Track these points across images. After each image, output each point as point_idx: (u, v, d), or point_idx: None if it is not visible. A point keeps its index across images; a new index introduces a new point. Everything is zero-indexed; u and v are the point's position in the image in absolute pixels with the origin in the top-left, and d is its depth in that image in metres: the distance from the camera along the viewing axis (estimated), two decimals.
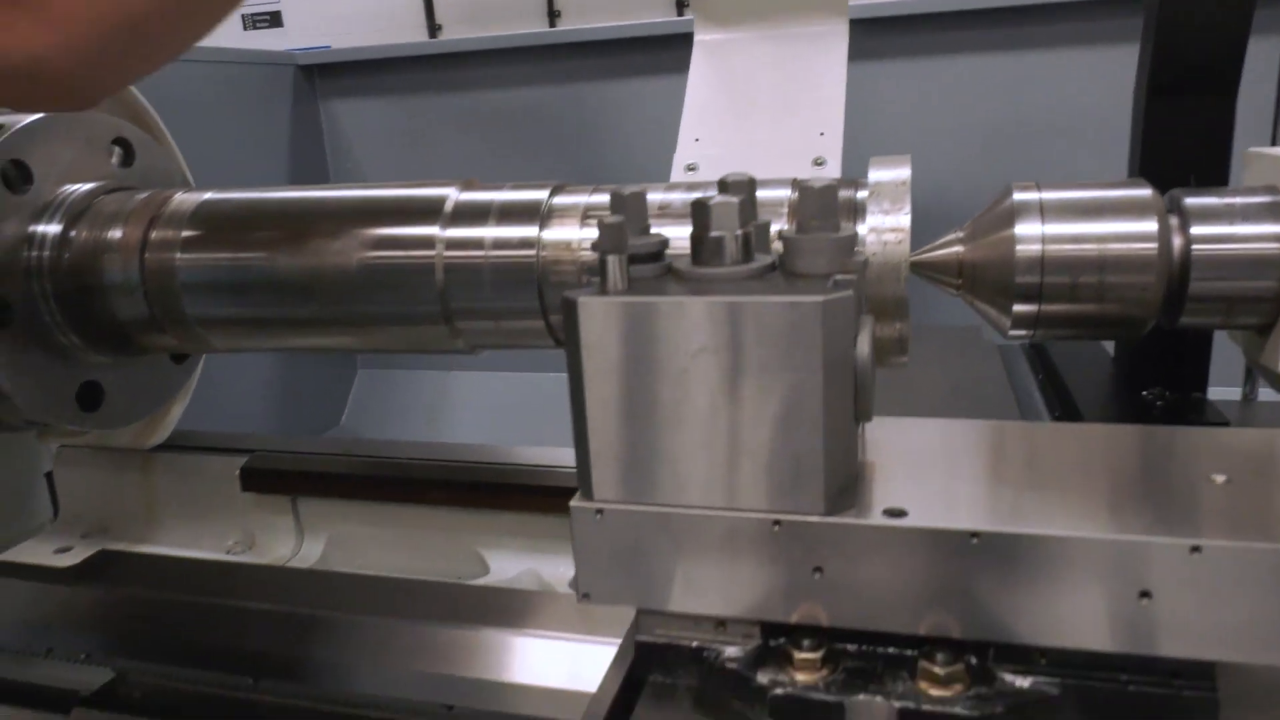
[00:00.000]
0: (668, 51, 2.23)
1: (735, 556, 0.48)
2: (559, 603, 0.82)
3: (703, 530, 0.48)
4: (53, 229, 0.96)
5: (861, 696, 0.46)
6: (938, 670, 0.46)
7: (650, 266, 0.51)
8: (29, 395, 0.95)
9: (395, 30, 3.56)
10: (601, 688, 0.54)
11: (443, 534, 1.15)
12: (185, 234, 0.92)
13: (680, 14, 3.50)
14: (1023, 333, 0.76)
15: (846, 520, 0.46)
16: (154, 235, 0.93)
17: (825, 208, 0.49)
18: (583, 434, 0.49)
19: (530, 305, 0.82)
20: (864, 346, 0.48)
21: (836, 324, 0.45)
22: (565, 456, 1.15)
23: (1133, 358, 1.11)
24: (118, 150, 1.06)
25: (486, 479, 1.11)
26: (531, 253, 0.82)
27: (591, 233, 0.81)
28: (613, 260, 0.47)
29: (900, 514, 0.46)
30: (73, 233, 0.96)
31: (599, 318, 0.47)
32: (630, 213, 0.50)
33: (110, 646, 0.85)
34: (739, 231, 0.50)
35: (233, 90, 1.98)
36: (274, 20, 3.29)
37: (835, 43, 1.48)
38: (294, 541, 1.20)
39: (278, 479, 1.18)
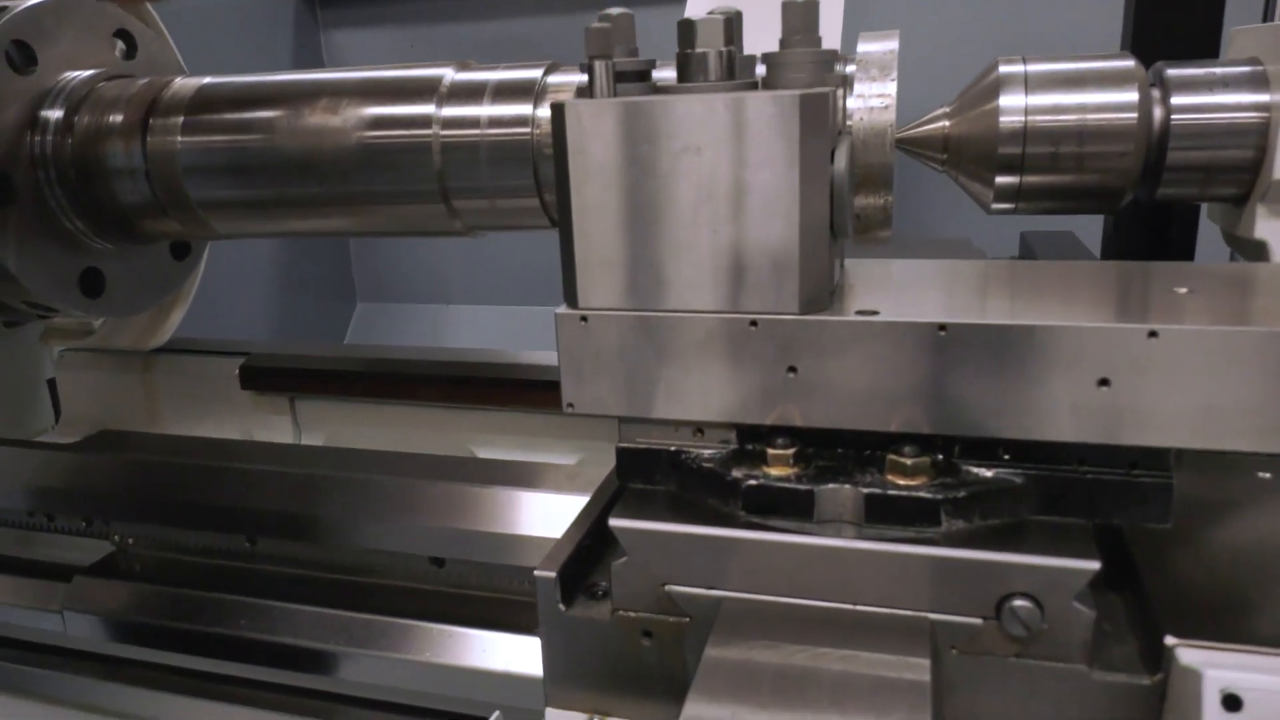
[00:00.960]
0: None
1: (714, 358, 0.50)
2: (551, 469, 0.84)
3: (683, 332, 0.50)
4: (55, 114, 0.97)
5: (830, 485, 0.48)
6: (905, 461, 0.48)
7: (637, 85, 0.52)
8: (34, 278, 0.96)
9: None
10: (590, 501, 0.57)
11: (435, 431, 1.17)
12: (186, 118, 0.93)
13: None
14: (1006, 206, 0.78)
15: (820, 317, 0.48)
16: (155, 120, 0.94)
17: (807, 23, 0.50)
18: (569, 242, 0.51)
19: (526, 183, 0.84)
20: (841, 160, 0.50)
21: (813, 121, 0.46)
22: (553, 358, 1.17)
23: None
24: (120, 43, 1.07)
25: (477, 375, 1.13)
26: (526, 130, 0.83)
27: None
28: (600, 65, 0.49)
29: (872, 313, 0.48)
30: (75, 118, 0.97)
31: (586, 120, 0.49)
32: (618, 30, 0.52)
33: (110, 510, 0.87)
34: (723, 49, 0.51)
35: (233, 17, 1.99)
36: None
37: None
38: (291, 439, 1.22)
39: (276, 377, 1.20)
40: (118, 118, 0.96)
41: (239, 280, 2.10)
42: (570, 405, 0.53)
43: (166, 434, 1.13)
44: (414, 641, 0.78)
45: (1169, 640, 0.44)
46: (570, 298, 0.52)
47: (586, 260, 0.51)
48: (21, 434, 1.36)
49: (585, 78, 0.85)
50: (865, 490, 0.48)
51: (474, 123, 0.84)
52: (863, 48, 0.76)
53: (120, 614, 0.86)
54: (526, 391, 1.12)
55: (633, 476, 0.54)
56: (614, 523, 0.51)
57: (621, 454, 0.54)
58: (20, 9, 0.96)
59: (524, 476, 0.83)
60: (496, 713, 0.72)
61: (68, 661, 0.89)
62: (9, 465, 0.93)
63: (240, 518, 0.82)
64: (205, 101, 0.94)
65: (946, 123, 0.78)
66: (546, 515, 0.74)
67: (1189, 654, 0.44)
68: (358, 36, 2.20)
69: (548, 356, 1.17)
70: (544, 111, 0.83)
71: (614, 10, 0.54)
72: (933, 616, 0.47)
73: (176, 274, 1.16)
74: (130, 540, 0.92)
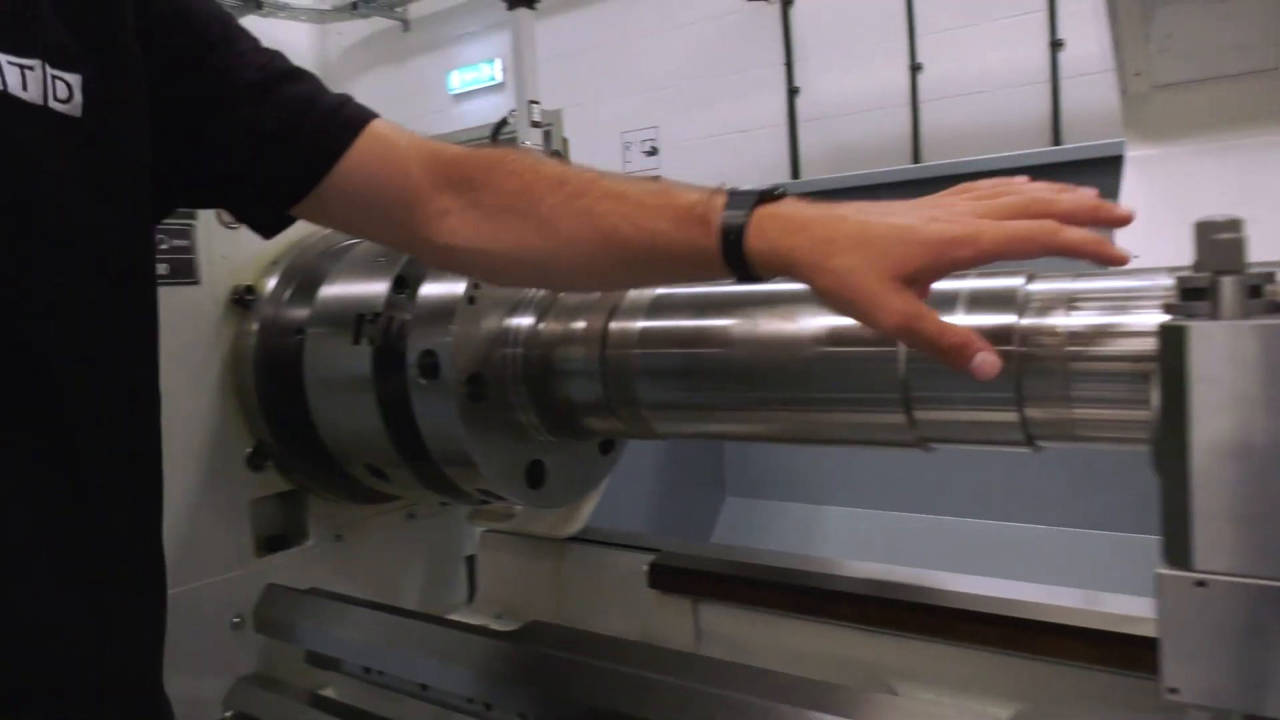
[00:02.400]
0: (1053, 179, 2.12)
1: None
2: None
3: None
4: (525, 321, 1.07)
5: None
6: None
7: (1260, 302, 0.44)
8: (492, 467, 1.04)
9: (761, 178, 3.80)
10: None
11: (848, 654, 1.08)
12: (642, 325, 0.98)
13: (1057, 143, 3.37)
14: None
15: None
16: (613, 326, 1.00)
17: None
18: (1180, 487, 0.42)
19: (1004, 396, 0.77)
20: None
21: None
22: (989, 586, 1.04)
23: None
24: None
25: (897, 597, 1.03)
26: (1009, 345, 0.76)
27: (1078, 320, 0.74)
28: (1229, 282, 0.41)
29: None
30: (540, 324, 1.06)
31: (1218, 345, 0.41)
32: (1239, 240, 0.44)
33: (541, 708, 0.87)
34: None
35: None
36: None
37: None
38: (693, 644, 1.18)
39: (682, 579, 1.18)
40: (579, 325, 1.03)
41: (618, 467, 2.20)
42: (1173, 690, 0.43)
43: (588, 630, 1.14)
44: None
45: None
46: (1178, 555, 0.43)
47: (1209, 511, 0.41)
48: (437, 607, 1.46)
49: (1074, 284, 0.78)
50: None
51: None
52: None
53: None
54: (955, 622, 1.00)
55: None
56: None
57: None
58: None
59: None
60: None
61: None
62: (456, 648, 0.97)
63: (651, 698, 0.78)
64: (660, 309, 0.98)
65: None
66: None
67: None
68: None
69: (976, 583, 1.05)
70: (1029, 320, 0.76)
71: (1224, 216, 0.46)
72: None
73: (602, 469, 1.21)
74: None
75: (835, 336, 0.84)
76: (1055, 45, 3.63)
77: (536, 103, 2.12)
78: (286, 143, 0.75)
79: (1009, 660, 0.98)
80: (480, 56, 5.21)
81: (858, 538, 2.13)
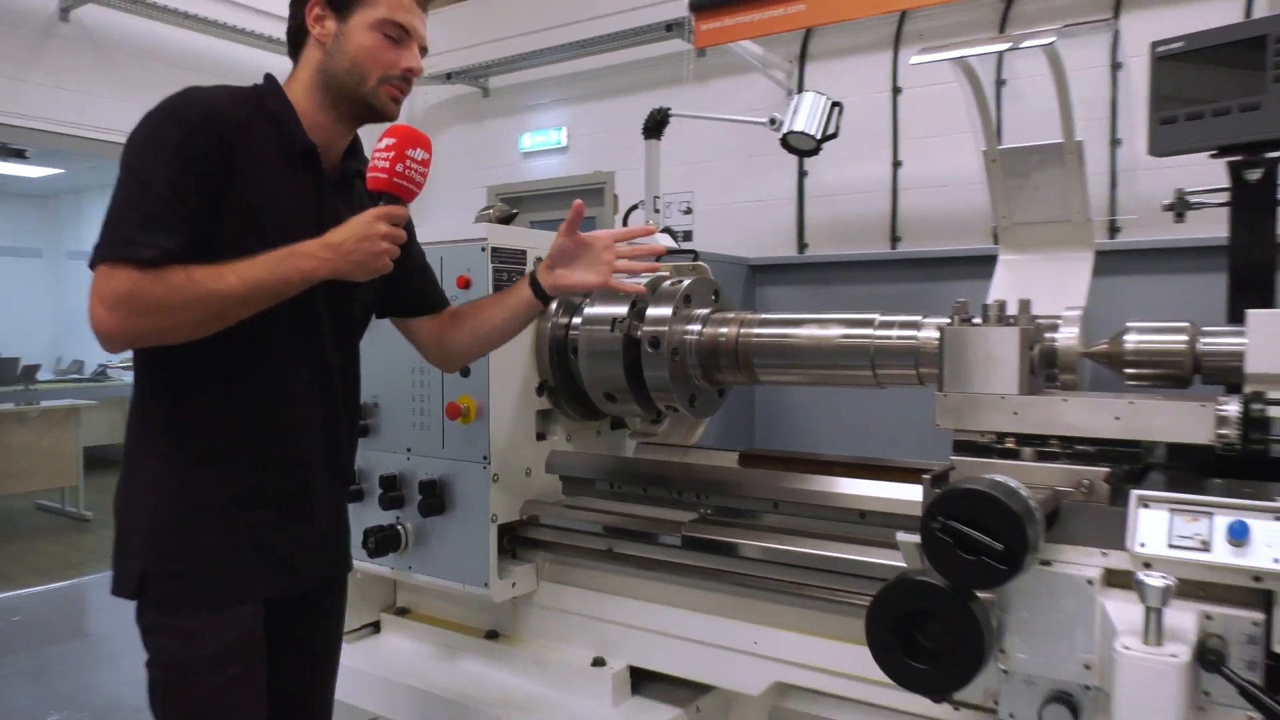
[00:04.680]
0: (981, 266, 3.33)
1: None
2: None
3: None
4: (696, 326, 2.24)
5: None
6: None
7: (958, 320, 1.61)
8: (677, 395, 2.20)
9: (775, 241, 4.98)
10: None
11: (847, 493, 2.24)
12: (756, 331, 2.16)
13: (995, 243, 4.60)
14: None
15: None
16: (743, 331, 2.18)
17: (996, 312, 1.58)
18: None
19: (908, 363, 1.94)
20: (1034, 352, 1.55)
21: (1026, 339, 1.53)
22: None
23: None
24: (714, 295, 2.35)
25: (876, 464, 2.20)
26: (913, 340, 1.94)
27: (931, 333, 1.92)
28: (956, 316, 1.60)
29: None
30: (703, 328, 2.23)
31: (952, 343, 1.58)
32: (964, 306, 1.62)
33: (701, 489, 2.03)
34: (1007, 314, 1.59)
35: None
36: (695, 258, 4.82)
37: (1083, 265, 2.51)
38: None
39: (760, 460, 2.35)
40: (725, 329, 2.20)
41: None
42: None
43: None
44: None
45: None
46: None
47: None
48: None
49: (942, 320, 1.95)
50: None
51: (888, 336, 1.97)
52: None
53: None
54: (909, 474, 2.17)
55: None
56: None
57: None
58: (689, 281, 2.26)
59: None
60: None
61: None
62: (659, 467, 2.13)
63: (761, 487, 1.94)
64: (763, 323, 2.16)
65: (1106, 345, 1.77)
66: None
67: None
68: (778, 291, 3.53)
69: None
70: (922, 334, 1.93)
71: (961, 299, 1.64)
72: None
73: (718, 404, 2.38)
74: (709, 511, 2.07)
75: (845, 335, 2.02)
76: None
77: (658, 196, 3.31)
78: (421, 297, 1.97)
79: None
80: (549, 124, 6.41)
81: None
